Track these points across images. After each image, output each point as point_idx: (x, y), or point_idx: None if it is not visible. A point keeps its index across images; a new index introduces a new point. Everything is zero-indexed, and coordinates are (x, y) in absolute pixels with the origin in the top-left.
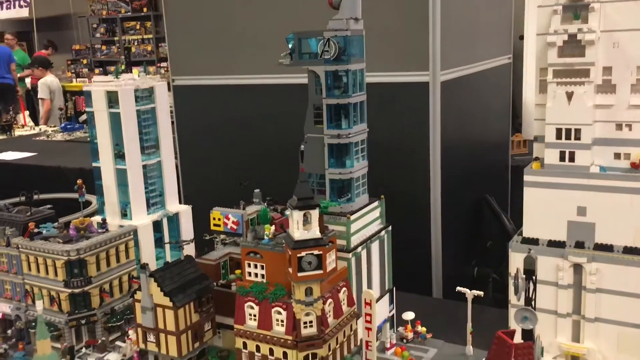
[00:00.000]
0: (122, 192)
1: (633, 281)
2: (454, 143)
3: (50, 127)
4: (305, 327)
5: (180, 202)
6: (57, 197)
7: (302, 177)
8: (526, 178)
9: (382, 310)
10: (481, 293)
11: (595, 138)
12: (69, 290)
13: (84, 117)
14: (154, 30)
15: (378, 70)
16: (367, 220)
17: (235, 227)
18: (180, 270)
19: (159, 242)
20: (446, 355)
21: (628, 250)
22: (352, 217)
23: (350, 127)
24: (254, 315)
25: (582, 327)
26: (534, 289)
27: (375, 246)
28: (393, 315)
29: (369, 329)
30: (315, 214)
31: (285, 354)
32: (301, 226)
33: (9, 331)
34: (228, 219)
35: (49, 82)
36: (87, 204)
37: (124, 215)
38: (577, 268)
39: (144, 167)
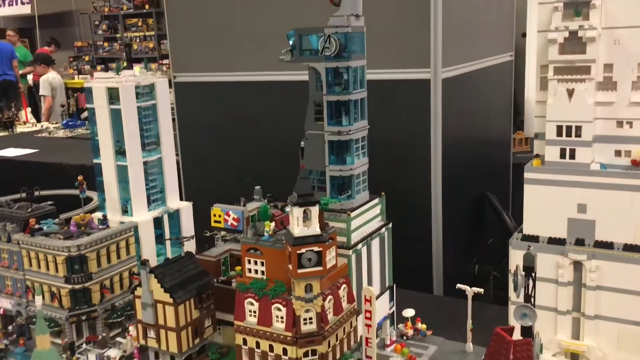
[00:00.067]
0: (123, 188)
1: (633, 279)
2: (455, 140)
3: (52, 123)
4: (305, 323)
5: (181, 199)
6: (58, 194)
7: (302, 174)
8: (526, 175)
9: (382, 307)
10: (481, 290)
11: (595, 135)
12: (70, 286)
13: (85, 114)
14: (156, 27)
15: (379, 68)
16: (368, 217)
17: (235, 223)
18: (180, 266)
19: (159, 239)
20: (446, 352)
21: (628, 247)
22: (353, 214)
23: (351, 123)
24: (254, 312)
25: (582, 324)
26: (534, 286)
27: (375, 243)
28: (393, 312)
29: (369, 326)
30: (315, 210)
31: (285, 351)
32: (301, 223)
33: (10, 327)
34: (229, 215)
35: (50, 78)
36: (88, 200)
37: (125, 211)
38: (577, 265)
39: (145, 163)
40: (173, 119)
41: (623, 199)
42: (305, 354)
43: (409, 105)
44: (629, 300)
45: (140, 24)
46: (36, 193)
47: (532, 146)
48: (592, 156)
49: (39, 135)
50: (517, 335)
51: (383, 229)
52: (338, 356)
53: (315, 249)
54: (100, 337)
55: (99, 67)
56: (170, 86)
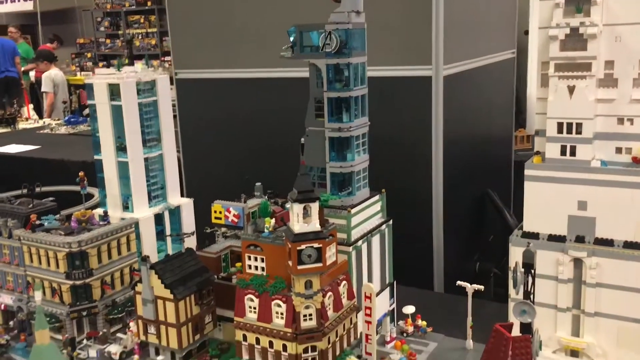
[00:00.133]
0: (124, 184)
1: (633, 276)
2: (457, 138)
3: (54, 120)
4: (305, 320)
5: (182, 195)
6: (59, 190)
7: (302, 170)
8: (527, 172)
9: (383, 304)
10: (481, 287)
11: (596, 132)
12: (71, 282)
13: (87, 110)
14: (158, 24)
15: (380, 64)
16: (368, 214)
17: (236, 220)
18: (181, 262)
19: (160, 235)
20: (446, 349)
21: (628, 244)
22: (353, 211)
23: (352, 120)
24: (254, 308)
25: (581, 321)
26: (533, 283)
27: (375, 240)
28: (393, 309)
29: (369, 323)
30: (315, 207)
31: (284, 347)
32: (301, 219)
33: (11, 322)
34: (229, 212)
35: (53, 75)
36: (90, 196)
37: (126, 207)
38: (577, 262)
39: (146, 159)
40: (174, 116)
41: (623, 196)
42: (305, 350)
43: (410, 102)
44: (629, 297)
45: (142, 20)
46: (37, 189)
47: (534, 144)
48: (592, 153)
49: (41, 131)
50: (516, 332)
51: (383, 226)
52: (338, 352)
53: (315, 245)
54: (101, 333)
55: (101, 64)
56: (171, 83)
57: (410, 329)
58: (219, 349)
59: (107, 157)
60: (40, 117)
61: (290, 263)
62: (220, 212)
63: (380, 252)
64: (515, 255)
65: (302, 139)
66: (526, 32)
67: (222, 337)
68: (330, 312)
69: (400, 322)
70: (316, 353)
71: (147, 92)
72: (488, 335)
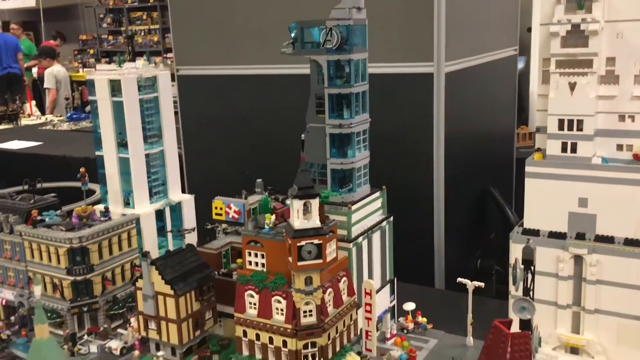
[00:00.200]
0: (125, 180)
1: (633, 273)
2: (458, 135)
3: (56, 116)
4: (305, 316)
5: (183, 192)
6: (60, 186)
7: (302, 167)
8: (528, 169)
9: (383, 300)
10: (482, 284)
11: (597, 129)
12: (72, 278)
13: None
14: (160, 20)
15: (381, 61)
16: (369, 211)
17: (236, 216)
18: (181, 258)
19: (161, 231)
20: (446, 346)
21: (629, 242)
22: (353, 207)
23: (352, 117)
24: (254, 304)
25: (582, 318)
26: (532, 279)
27: (376, 236)
28: (394, 305)
29: (369, 319)
30: (315, 203)
31: (284, 343)
32: (301, 215)
33: (12, 318)
34: (230, 208)
35: (55, 71)
36: (91, 192)
37: (127, 203)
38: (578, 259)
39: (147, 156)
40: (176, 112)
41: (624, 193)
42: (305, 346)
43: (411, 99)
44: (629, 294)
45: (144, 17)
46: (38, 185)
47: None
48: (593, 150)
49: (43, 128)
50: (516, 329)
51: (384, 223)
52: (338, 349)
53: (316, 241)
54: (101, 329)
55: (103, 61)
56: (173, 79)
57: (411, 325)
58: (219, 345)
59: (108, 153)
60: (43, 113)
61: (290, 259)
62: (221, 209)
63: (380, 249)
64: (516, 252)
65: (303, 135)
66: (529, 29)
67: (222, 333)
68: (330, 309)
69: (401, 319)
70: (316, 349)
71: (148, 88)
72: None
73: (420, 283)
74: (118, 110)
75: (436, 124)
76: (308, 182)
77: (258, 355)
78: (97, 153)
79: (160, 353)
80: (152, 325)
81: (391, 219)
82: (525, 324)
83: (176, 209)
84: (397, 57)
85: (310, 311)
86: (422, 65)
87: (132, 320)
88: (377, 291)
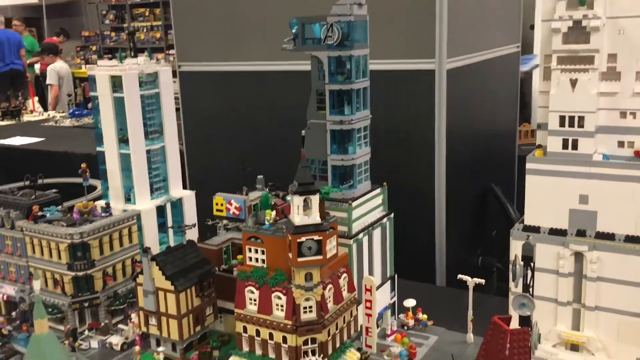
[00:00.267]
0: (126, 176)
1: (634, 270)
2: (460, 132)
3: (59, 112)
4: (305, 312)
5: (185, 188)
6: (61, 182)
7: (303, 163)
8: (528, 165)
9: (384, 297)
10: (482, 281)
11: (598, 126)
12: (73, 273)
13: None
14: (163, 17)
15: (383, 58)
16: (369, 207)
17: (237, 212)
18: (182, 254)
19: (162, 227)
20: (447, 342)
21: (629, 239)
22: (354, 204)
23: (353, 113)
24: (254, 300)
25: (582, 315)
26: (532, 276)
27: (377, 233)
28: (394, 302)
29: (369, 315)
30: (315, 199)
31: (284, 339)
32: (301, 211)
33: (14, 313)
34: (231, 204)
35: (57, 68)
36: (93, 188)
37: (128, 199)
38: (578, 256)
39: (148, 152)
40: (178, 109)
41: (625, 190)
42: (305, 342)
43: (413, 96)
44: (629, 291)
45: (147, 13)
46: (40, 181)
47: None
48: (594, 147)
49: (46, 124)
50: (515, 325)
51: (385, 219)
52: (338, 345)
53: (316, 237)
54: (102, 324)
55: (105, 57)
56: (174, 76)
57: (411, 322)
58: (219, 341)
59: (109, 149)
60: (45, 109)
61: (290, 255)
62: (221, 205)
63: (381, 246)
64: (516, 248)
65: (303, 132)
66: (532, 27)
67: (223, 329)
68: (330, 305)
69: (401, 316)
70: (316, 345)
71: (150, 84)
72: None
73: (421, 280)
74: (119, 106)
75: (437, 121)
76: (308, 178)
77: (258, 351)
78: (98, 149)
79: (160, 348)
80: (153, 320)
81: (392, 215)
82: (525, 321)
83: (177, 205)
84: (399, 54)
85: (310, 307)
86: (423, 61)
87: (133, 315)
88: (378, 288)
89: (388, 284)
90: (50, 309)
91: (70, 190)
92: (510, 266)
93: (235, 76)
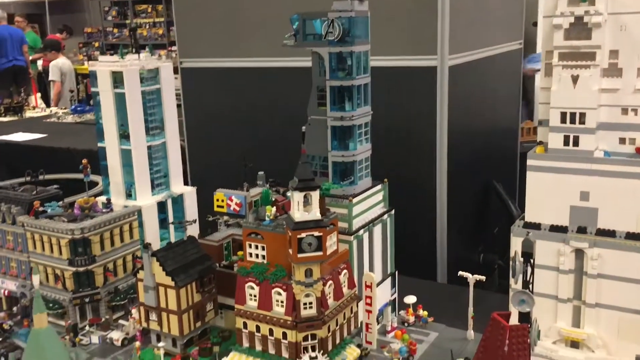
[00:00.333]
0: (127, 172)
1: (635, 267)
2: (462, 129)
3: (61, 109)
4: (305, 308)
5: (187, 184)
6: (62, 177)
7: (303, 159)
8: (529, 162)
9: (384, 293)
10: (483, 277)
11: (600, 122)
12: (73, 269)
13: None
14: (165, 13)
15: (384, 54)
16: (370, 204)
17: (238, 208)
18: (182, 250)
19: (163, 223)
20: (447, 339)
21: (630, 236)
22: (355, 200)
23: (354, 109)
24: (255, 296)
25: (582, 312)
26: (532, 272)
27: (377, 229)
28: (395, 298)
29: (369, 312)
30: (315, 195)
31: (284, 335)
32: (302, 207)
33: (15, 308)
34: (231, 200)
35: (60, 64)
36: (94, 184)
37: (129, 195)
38: (579, 253)
39: (149, 148)
40: (179, 105)
41: (626, 187)
42: (305, 338)
43: (414, 93)
44: (630, 288)
45: (149, 10)
46: (41, 177)
47: None
48: (595, 143)
49: (48, 120)
50: (515, 321)
51: (385, 216)
52: (338, 341)
53: (316, 233)
54: (103, 320)
55: (108, 53)
56: (176, 72)
57: (412, 318)
58: (220, 337)
59: (110, 144)
60: (48, 105)
61: (290, 251)
62: (222, 201)
63: (382, 242)
64: (516, 245)
65: (303, 128)
66: (534, 24)
67: (223, 325)
68: (330, 301)
69: (402, 312)
70: (316, 341)
71: (151, 80)
72: None
73: (423, 277)
74: (120, 101)
75: (439, 118)
76: (308, 174)
77: (258, 347)
78: (99, 144)
79: (161, 344)
80: (153, 316)
81: (392, 212)
82: (524, 317)
83: (178, 201)
84: (400, 50)
85: (311, 303)
86: (425, 58)
87: (134, 311)
88: (378, 284)
89: (388, 281)
90: (51, 305)
91: (71, 186)
92: (510, 262)
93: (236, 72)
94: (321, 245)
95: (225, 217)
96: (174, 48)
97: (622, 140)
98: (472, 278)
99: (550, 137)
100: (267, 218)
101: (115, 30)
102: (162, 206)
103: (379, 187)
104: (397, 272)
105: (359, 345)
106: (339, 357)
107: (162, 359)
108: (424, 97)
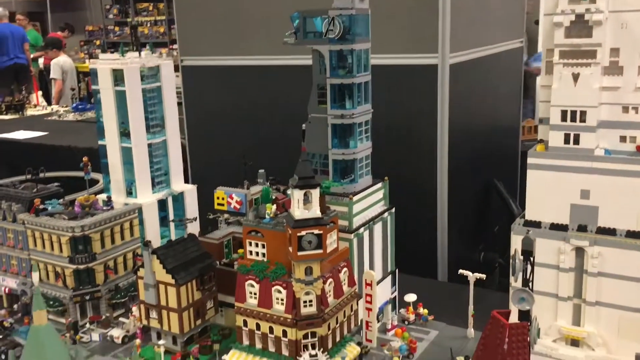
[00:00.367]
0: (128, 170)
1: (635, 265)
2: (462, 127)
3: (62, 107)
4: (305, 306)
5: (188, 182)
6: (62, 175)
7: (303, 157)
8: (530, 160)
9: (384, 291)
10: (483, 276)
11: (600, 120)
12: (74, 266)
13: None
14: (167, 11)
15: (385, 52)
16: (370, 202)
17: (238, 206)
18: (183, 248)
19: (163, 221)
20: (447, 337)
21: (631, 234)
22: (355, 198)
23: (354, 107)
24: (255, 294)
25: (582, 310)
26: (532, 271)
27: (378, 228)
28: (395, 297)
29: (369, 310)
30: (315, 193)
31: (284, 332)
32: (302, 205)
33: (15, 306)
34: (232, 198)
35: (61, 62)
36: (95, 182)
37: (129, 193)
38: (579, 251)
39: (149, 145)
40: (180, 103)
41: (627, 185)
42: (305, 336)
43: (415, 91)
44: (630, 287)
45: (151, 8)
46: (41, 174)
47: None
48: (596, 142)
49: (49, 118)
50: (515, 320)
51: (386, 214)
52: (338, 339)
53: (316, 231)
54: (103, 317)
55: (109, 52)
56: (177, 70)
57: (412, 317)
58: (220, 335)
59: (111, 142)
60: (49, 103)
61: (290, 249)
62: (222, 199)
63: (382, 240)
64: (516, 243)
65: (304, 125)
66: (536, 22)
67: (224, 323)
68: (330, 299)
69: (402, 310)
70: (316, 339)
71: (151, 78)
72: None
73: (423, 275)
74: (120, 99)
75: (440, 116)
76: (309, 172)
77: (258, 345)
78: (99, 142)
79: (161, 342)
80: (154, 314)
81: (393, 210)
82: (524, 315)
83: (179, 198)
84: (401, 48)
85: (311, 301)
86: (426, 56)
87: (134, 309)
88: (378, 282)
89: (389, 279)
90: (51, 302)
91: (72, 184)
92: (510, 261)
93: (237, 70)
94: (321, 243)
95: (226, 215)
96: (175, 46)
97: (623, 139)
98: (472, 276)
99: (550, 135)
100: (267, 216)
101: (117, 29)
102: (162, 204)
103: (379, 185)
104: (397, 270)
105: (359, 343)
106: (339, 355)
107: (162, 357)
108: (425, 95)
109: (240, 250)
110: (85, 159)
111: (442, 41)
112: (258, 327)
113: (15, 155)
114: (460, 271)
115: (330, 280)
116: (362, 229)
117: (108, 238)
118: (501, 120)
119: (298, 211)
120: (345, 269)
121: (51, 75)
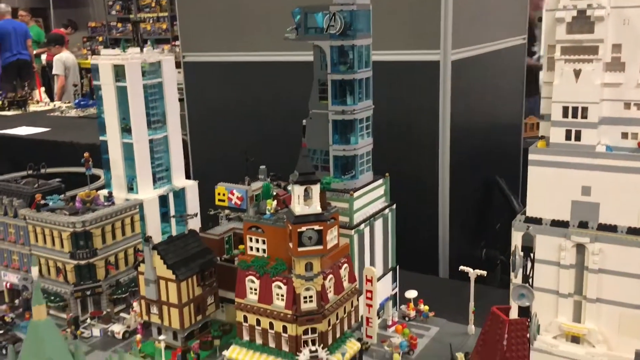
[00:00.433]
0: (129, 166)
1: (636, 262)
2: (464, 124)
3: (65, 103)
4: (305, 301)
5: (189, 178)
6: (64, 171)
7: (304, 152)
8: (531, 157)
9: (385, 288)
10: (484, 272)
11: (602, 117)
12: (75, 262)
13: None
14: (169, 8)
15: (387, 48)
16: (371, 198)
17: (239, 202)
18: (183, 244)
19: (165, 217)
20: (447, 334)
21: (632, 231)
22: (356, 194)
23: (355, 103)
24: (255, 289)
25: (583, 307)
26: (532, 267)
27: (378, 224)
28: (396, 293)
29: (369, 306)
30: (316, 189)
31: (285, 328)
32: (302, 201)
33: (17, 301)
34: (232, 194)
35: (64, 58)
36: (96, 177)
37: (131, 189)
38: (580, 248)
39: (151, 141)
40: (182, 99)
41: (628, 182)
42: (305, 332)
43: (417, 88)
44: (631, 284)
45: (153, 4)
46: (43, 170)
47: None
48: (597, 138)
49: (51, 114)
50: (515, 316)
51: (387, 210)
52: (338, 335)
53: (316, 227)
54: (104, 312)
55: (111, 48)
56: (179, 66)
57: (412, 313)
58: (220, 330)
59: (112, 138)
60: (51, 99)
61: (291, 245)
62: (223, 195)
63: (383, 236)
64: (517, 239)
65: (304, 121)
66: (540, 19)
67: (224, 318)
68: (330, 295)
69: (403, 307)
70: (316, 335)
71: (152, 73)
72: None
73: (425, 272)
74: (122, 95)
75: (442, 112)
76: (309, 168)
77: (258, 340)
78: (100, 138)
79: (162, 337)
80: (154, 309)
81: (394, 206)
82: (524, 311)
83: (180, 194)
84: (403, 45)
85: (311, 297)
86: (428, 52)
87: (135, 304)
88: (379, 279)
89: (389, 275)
90: (52, 297)
91: (73, 180)
92: (511, 257)
93: (239, 66)
94: (321, 239)
95: (227, 211)
96: (177, 43)
97: (625, 135)
98: (473, 273)
99: (552, 132)
100: (267, 212)
101: (119, 25)
102: (163, 200)
103: (380, 181)
104: (398, 267)
105: (359, 340)
106: (339, 351)
107: (162, 352)
108: (427, 91)
109: (241, 246)
110: (86, 154)
111: (444, 37)
112: (258, 322)
113: (17, 151)
114: (461, 268)
115: (331, 276)
116: (362, 225)
117: (109, 233)
118: (503, 117)
119: (298, 207)
120: (345, 265)
121: (54, 72)
